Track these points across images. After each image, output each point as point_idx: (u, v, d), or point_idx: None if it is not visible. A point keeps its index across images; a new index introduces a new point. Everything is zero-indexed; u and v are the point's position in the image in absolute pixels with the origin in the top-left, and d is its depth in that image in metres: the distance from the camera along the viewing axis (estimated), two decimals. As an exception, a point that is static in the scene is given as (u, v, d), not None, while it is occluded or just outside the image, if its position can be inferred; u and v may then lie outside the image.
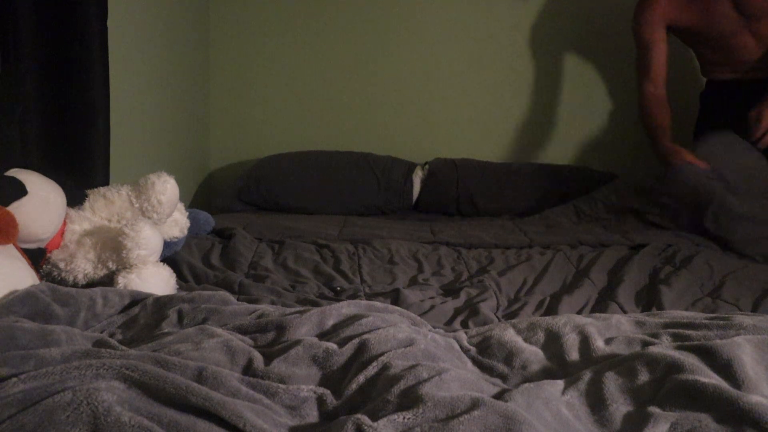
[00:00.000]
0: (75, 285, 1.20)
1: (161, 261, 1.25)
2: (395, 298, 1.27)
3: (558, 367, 0.88)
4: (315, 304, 1.15)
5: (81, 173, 1.42)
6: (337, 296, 1.30)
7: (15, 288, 0.96)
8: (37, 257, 1.16)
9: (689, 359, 0.79)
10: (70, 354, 0.77)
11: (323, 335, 0.92)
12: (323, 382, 0.80)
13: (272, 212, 2.21)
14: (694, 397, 0.72)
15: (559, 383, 0.79)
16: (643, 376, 0.79)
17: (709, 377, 0.75)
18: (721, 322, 0.94)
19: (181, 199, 1.39)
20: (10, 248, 1.04)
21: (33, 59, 1.34)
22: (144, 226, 1.18)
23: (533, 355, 0.90)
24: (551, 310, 1.25)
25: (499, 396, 0.74)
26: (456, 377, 0.75)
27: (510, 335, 0.95)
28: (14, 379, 0.68)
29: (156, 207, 1.27)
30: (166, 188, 1.29)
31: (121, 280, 1.16)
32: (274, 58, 2.59)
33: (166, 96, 2.15)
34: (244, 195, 2.27)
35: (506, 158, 2.53)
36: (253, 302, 1.19)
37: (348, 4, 2.54)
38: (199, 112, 2.52)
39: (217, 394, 0.68)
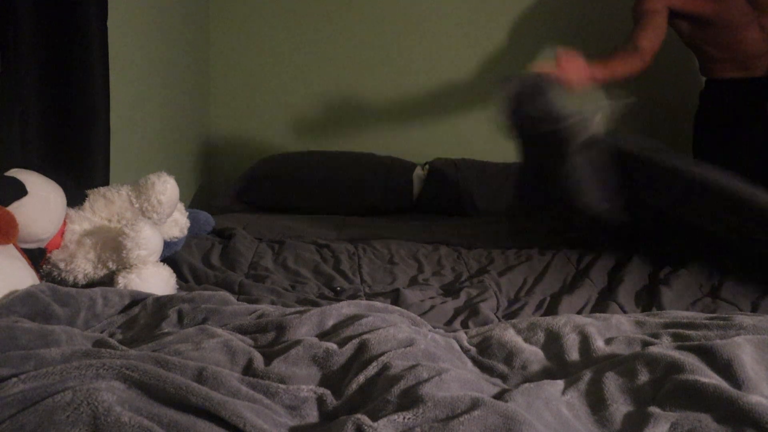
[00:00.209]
0: (75, 285, 1.20)
1: (161, 261, 1.25)
2: (395, 298, 1.27)
3: (558, 367, 0.88)
4: (315, 304, 1.15)
5: (81, 173, 1.42)
6: (337, 296, 1.30)
7: (15, 288, 0.96)
8: (37, 257, 1.16)
9: (689, 359, 0.79)
10: (70, 354, 0.77)
11: (323, 335, 0.92)
12: (323, 382, 0.80)
13: (272, 212, 2.21)
14: (694, 397, 0.72)
15: (560, 383, 0.79)
16: (643, 376, 0.79)
17: (710, 377, 0.75)
18: (721, 322, 0.94)
19: (181, 199, 1.39)
20: (10, 248, 1.04)
21: (33, 59, 1.34)
22: (144, 226, 1.18)
23: (533, 355, 0.90)
24: (551, 310, 1.25)
25: (499, 396, 0.74)
26: (456, 377, 0.75)
27: (510, 335, 0.95)
28: (14, 379, 0.68)
29: (156, 207, 1.27)
30: (166, 188, 1.29)
31: (121, 280, 1.16)
32: (274, 58, 2.59)
33: (166, 96, 2.15)
34: (244, 195, 2.27)
35: (506, 158, 2.53)
36: (253, 302, 1.19)
37: (348, 4, 2.54)
38: (199, 112, 2.52)
39: (217, 394, 0.68)
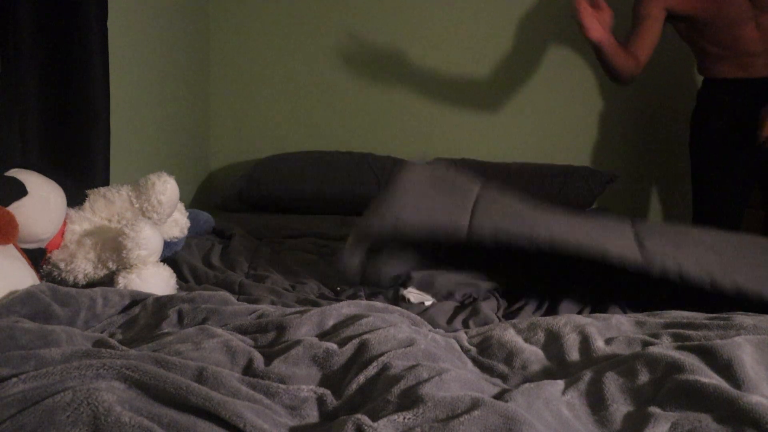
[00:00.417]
0: (75, 285, 1.20)
1: (161, 261, 1.25)
2: (395, 297, 1.27)
3: (558, 367, 0.88)
4: (315, 304, 1.15)
5: (81, 173, 1.42)
6: (337, 296, 1.30)
7: (15, 288, 0.96)
8: (37, 257, 1.16)
9: (689, 359, 0.79)
10: (71, 354, 0.77)
11: (323, 335, 0.92)
12: (323, 382, 0.80)
13: (272, 212, 2.21)
14: (695, 397, 0.72)
15: (560, 383, 0.79)
16: (644, 376, 0.79)
17: (710, 377, 0.75)
18: (721, 322, 0.94)
19: (181, 199, 1.39)
20: (10, 248, 1.04)
21: (33, 60, 1.34)
22: (144, 226, 1.18)
23: (533, 355, 0.90)
24: (551, 310, 1.25)
25: (500, 396, 0.74)
26: (456, 377, 0.75)
27: (510, 335, 0.95)
28: (14, 379, 0.68)
29: (156, 207, 1.27)
30: (166, 188, 1.29)
31: (122, 280, 1.16)
32: (274, 58, 2.59)
33: (166, 96, 2.15)
34: (244, 195, 2.27)
35: (506, 158, 2.53)
36: (253, 302, 1.19)
37: (348, 5, 2.55)
38: (199, 112, 2.52)
39: (218, 394, 0.68)
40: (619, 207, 2.51)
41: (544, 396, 0.74)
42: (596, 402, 0.76)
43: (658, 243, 1.22)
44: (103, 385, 0.67)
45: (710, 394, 0.71)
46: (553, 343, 0.93)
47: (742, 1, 1.86)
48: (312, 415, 0.74)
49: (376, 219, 1.25)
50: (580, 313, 1.21)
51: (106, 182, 1.48)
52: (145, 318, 1.01)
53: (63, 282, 1.20)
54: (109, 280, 1.21)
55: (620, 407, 0.75)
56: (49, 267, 1.21)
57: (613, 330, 0.97)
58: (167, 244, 1.35)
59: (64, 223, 1.23)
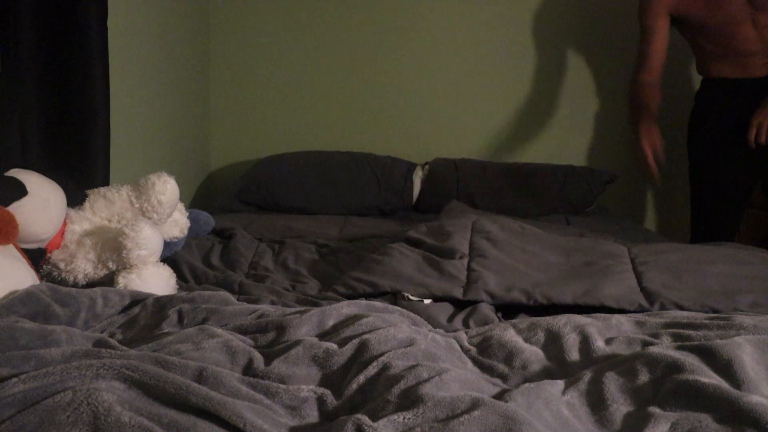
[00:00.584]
0: (75, 285, 1.20)
1: (161, 261, 1.25)
2: (395, 298, 1.26)
3: (558, 367, 0.88)
4: (315, 304, 1.15)
5: (81, 173, 1.42)
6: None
7: (15, 288, 0.96)
8: (37, 257, 1.16)
9: (689, 359, 0.79)
10: (71, 354, 0.77)
11: (323, 335, 0.92)
12: (323, 382, 0.80)
13: (272, 212, 2.21)
14: (695, 397, 0.72)
15: (560, 383, 0.79)
16: (644, 376, 0.79)
17: (710, 377, 0.75)
18: (721, 322, 0.94)
19: (181, 199, 1.39)
20: (11, 248, 1.04)
21: (33, 59, 1.34)
22: (144, 226, 1.18)
23: (533, 355, 0.90)
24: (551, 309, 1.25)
25: (500, 396, 0.74)
26: (456, 377, 0.75)
27: (510, 335, 0.95)
28: (14, 379, 0.68)
29: (156, 207, 1.27)
30: (166, 188, 1.29)
31: (122, 281, 1.16)
32: (275, 58, 2.59)
33: (166, 96, 2.15)
34: (244, 195, 2.27)
35: (506, 158, 2.53)
36: (253, 302, 1.19)
37: (348, 5, 2.55)
38: (199, 112, 2.52)
39: (218, 394, 0.68)
40: (619, 207, 2.51)
41: (544, 396, 0.74)
42: (596, 402, 0.76)
43: (657, 279, 1.22)
44: (103, 385, 0.67)
45: (710, 394, 0.71)
46: (553, 343, 0.93)
47: (740, 0, 1.86)
48: (312, 415, 0.74)
49: (372, 278, 1.29)
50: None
51: (106, 182, 1.48)
52: (145, 318, 1.01)
53: (63, 282, 1.20)
54: (109, 280, 1.21)
55: (620, 407, 0.75)
56: (49, 267, 1.21)
57: (613, 330, 0.97)
58: (167, 244, 1.35)
59: (64, 223, 1.23)
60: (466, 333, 1.01)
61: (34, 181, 1.13)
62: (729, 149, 1.96)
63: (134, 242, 1.16)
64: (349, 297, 1.24)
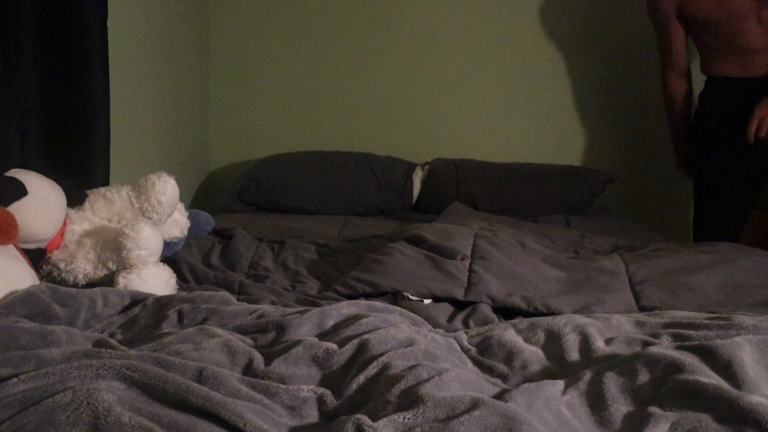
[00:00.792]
0: (75, 285, 1.20)
1: (161, 261, 1.25)
2: (395, 298, 1.26)
3: (558, 367, 0.88)
4: (315, 304, 1.15)
5: (81, 173, 1.42)
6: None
7: (15, 288, 0.96)
8: (37, 257, 1.16)
9: (689, 359, 0.79)
10: (71, 354, 0.77)
11: (323, 335, 0.92)
12: (323, 382, 0.80)
13: (272, 212, 2.21)
14: (695, 397, 0.72)
15: (560, 383, 0.79)
16: (644, 376, 0.79)
17: (710, 377, 0.75)
18: (721, 322, 0.94)
19: (181, 199, 1.39)
20: (11, 248, 1.04)
21: (33, 59, 1.34)
22: (144, 226, 1.18)
23: (533, 355, 0.90)
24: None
25: (500, 396, 0.74)
26: (456, 377, 0.75)
27: (510, 335, 0.95)
28: (14, 380, 0.68)
29: (156, 207, 1.27)
30: (167, 188, 1.28)
31: (122, 281, 1.16)
32: (275, 58, 2.59)
33: (166, 96, 2.15)
34: (244, 195, 2.27)
35: (506, 158, 2.53)
36: (253, 302, 1.19)
37: (348, 5, 2.55)
38: (199, 112, 2.52)
39: (218, 394, 0.68)
40: (619, 207, 2.51)
41: (544, 396, 0.74)
42: (596, 402, 0.76)
43: (655, 297, 1.22)
44: (103, 385, 0.67)
45: (710, 394, 0.71)
46: (553, 343, 0.93)
47: None
48: (312, 415, 0.74)
49: (372, 278, 1.29)
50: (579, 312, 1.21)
51: (106, 182, 1.48)
52: (145, 318, 1.01)
53: (63, 282, 1.20)
54: (109, 280, 1.21)
55: (620, 407, 0.75)
56: (49, 267, 1.21)
57: (613, 330, 0.97)
58: (167, 244, 1.35)
59: (64, 224, 1.23)
60: (466, 333, 1.01)
61: (34, 181, 1.13)
62: (733, 149, 1.95)
63: (134, 242, 1.16)
64: (349, 297, 1.24)
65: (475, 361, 0.90)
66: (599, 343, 0.91)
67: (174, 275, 1.25)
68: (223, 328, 0.93)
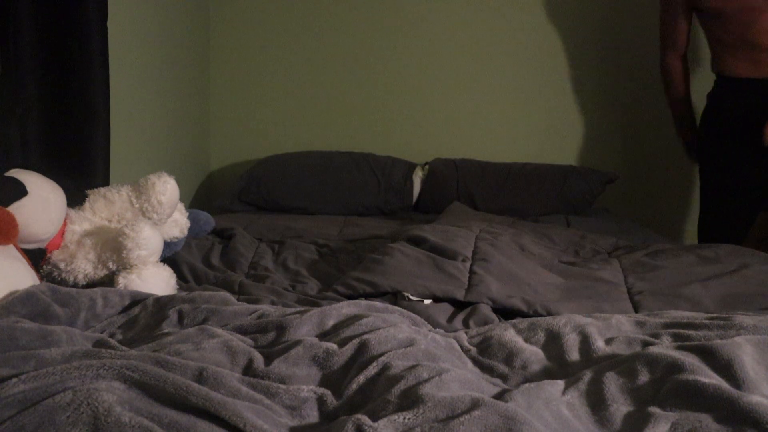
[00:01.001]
0: (75, 285, 1.20)
1: (161, 261, 1.25)
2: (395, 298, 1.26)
3: (558, 367, 0.88)
4: (315, 304, 1.15)
5: (81, 173, 1.42)
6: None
7: (15, 288, 0.96)
8: (37, 258, 1.16)
9: (689, 359, 0.79)
10: (71, 354, 0.77)
11: (323, 335, 0.92)
12: (323, 383, 0.80)
13: (272, 212, 2.21)
14: (695, 397, 0.72)
15: (560, 383, 0.79)
16: (644, 377, 0.79)
17: (710, 377, 0.75)
18: (722, 322, 0.94)
19: (181, 199, 1.39)
20: (11, 249, 1.04)
21: (33, 60, 1.34)
22: (144, 226, 1.18)
23: (533, 355, 0.90)
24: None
25: (500, 396, 0.74)
26: (456, 377, 0.75)
27: (510, 335, 0.95)
28: (14, 380, 0.68)
29: (156, 207, 1.27)
30: (167, 189, 1.29)
31: (122, 281, 1.16)
32: (275, 58, 2.59)
33: (166, 96, 2.15)
34: (244, 195, 2.27)
35: (506, 158, 2.53)
36: (253, 302, 1.18)
37: (348, 4, 2.55)
38: (199, 112, 2.52)
39: (218, 394, 0.68)
40: (619, 207, 2.51)
41: (544, 396, 0.74)
42: (596, 402, 0.76)
43: (654, 305, 1.22)
44: (103, 385, 0.67)
45: (710, 394, 0.71)
46: (553, 343, 0.93)
47: None
48: (312, 415, 0.74)
49: (372, 278, 1.29)
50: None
51: (106, 182, 1.48)
52: (145, 318, 1.01)
53: (63, 282, 1.20)
54: (109, 281, 1.21)
55: (620, 407, 0.75)
56: (49, 267, 1.21)
57: (613, 330, 0.97)
58: (167, 245, 1.35)
59: (64, 224, 1.23)
60: (466, 333, 1.01)
61: (34, 181, 1.13)
62: (742, 151, 1.91)
63: (134, 242, 1.16)
64: (349, 297, 1.24)
65: (475, 361, 0.90)
66: (599, 343, 0.91)
67: (174, 275, 1.25)
68: (223, 329, 0.93)
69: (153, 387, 0.68)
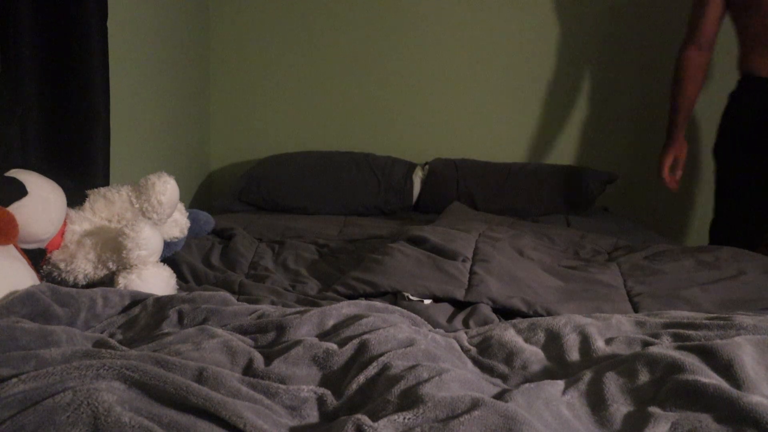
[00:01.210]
0: (75, 285, 1.20)
1: (161, 261, 1.25)
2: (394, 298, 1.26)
3: (558, 367, 0.88)
4: (315, 304, 1.15)
5: (81, 173, 1.42)
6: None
7: (15, 288, 0.96)
8: (37, 258, 1.16)
9: (689, 359, 0.79)
10: (71, 354, 0.77)
11: (323, 335, 0.92)
12: (323, 383, 0.80)
13: (272, 212, 2.21)
14: (695, 398, 0.72)
15: (560, 383, 0.79)
16: (644, 377, 0.79)
17: (710, 377, 0.75)
18: (722, 322, 0.94)
19: (181, 199, 1.39)
20: (11, 249, 1.04)
21: (33, 60, 1.34)
22: (144, 226, 1.18)
23: (533, 355, 0.90)
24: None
25: (500, 396, 0.74)
26: (456, 377, 0.75)
27: (510, 335, 0.95)
28: (15, 380, 0.68)
29: (156, 207, 1.27)
30: (167, 189, 1.29)
31: (122, 281, 1.16)
32: (275, 58, 2.59)
33: (166, 96, 2.15)
34: (244, 195, 2.27)
35: (506, 158, 2.53)
36: (253, 302, 1.19)
37: (348, 5, 2.55)
38: (199, 112, 2.52)
39: (218, 394, 0.68)
40: (619, 207, 2.51)
41: (544, 396, 0.74)
42: (596, 402, 0.76)
43: (653, 306, 1.21)
44: (103, 385, 0.67)
45: (710, 394, 0.71)
46: (553, 343, 0.93)
47: None
48: (312, 415, 0.74)
49: (372, 278, 1.28)
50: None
51: (106, 182, 1.48)
52: (145, 318, 1.01)
53: (63, 282, 1.20)
54: (109, 281, 1.21)
55: (620, 407, 0.75)
56: (49, 267, 1.21)
57: (613, 330, 0.97)
58: (167, 245, 1.35)
59: (64, 224, 1.23)
60: (466, 333, 1.01)
61: (34, 181, 1.13)
62: (762, 154, 1.83)
63: (134, 242, 1.16)
64: (349, 297, 1.24)
65: (475, 361, 0.90)
66: (599, 343, 0.91)
67: (174, 275, 1.25)
68: (223, 329, 0.93)
69: (153, 387, 0.68)
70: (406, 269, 1.30)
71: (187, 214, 1.46)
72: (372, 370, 0.79)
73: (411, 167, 2.37)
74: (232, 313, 1.00)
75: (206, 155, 2.62)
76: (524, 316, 1.17)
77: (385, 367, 0.78)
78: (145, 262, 1.19)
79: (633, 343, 0.91)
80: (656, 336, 0.93)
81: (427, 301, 1.22)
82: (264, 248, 1.58)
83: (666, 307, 1.21)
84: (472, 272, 1.31)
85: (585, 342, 0.92)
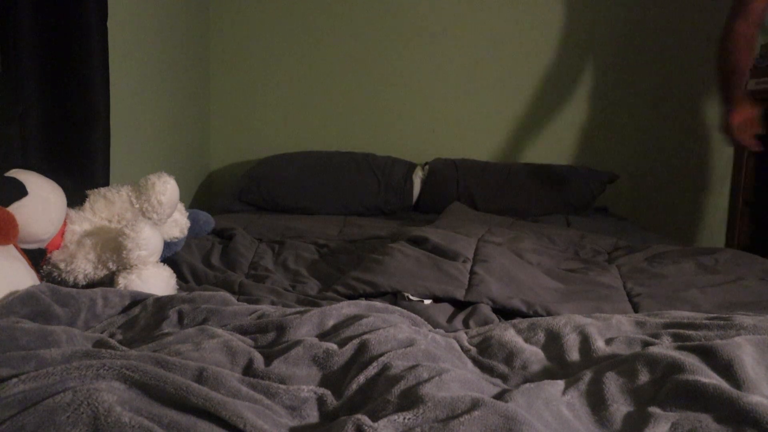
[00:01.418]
0: (75, 285, 1.20)
1: (161, 261, 1.25)
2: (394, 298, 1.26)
3: (558, 368, 0.88)
4: (315, 305, 1.15)
5: (81, 173, 1.42)
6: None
7: (15, 288, 0.96)
8: (37, 258, 1.16)
9: (690, 359, 0.79)
10: (71, 354, 0.77)
11: (323, 335, 0.92)
12: (323, 383, 0.80)
13: (272, 212, 2.22)
14: (695, 398, 0.72)
15: (560, 383, 0.79)
16: (644, 377, 0.79)
17: (710, 377, 0.75)
18: (722, 322, 0.94)
19: (181, 199, 1.39)
20: (11, 249, 1.04)
21: (33, 60, 1.34)
22: (144, 226, 1.18)
23: (533, 355, 0.90)
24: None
25: (500, 396, 0.74)
26: (456, 377, 0.75)
27: (510, 335, 0.95)
28: (15, 380, 0.68)
29: (156, 207, 1.27)
30: (167, 189, 1.29)
31: (122, 281, 1.16)
32: (275, 58, 2.59)
33: (166, 96, 2.15)
34: (244, 195, 2.27)
35: (506, 158, 2.53)
36: (253, 302, 1.18)
37: (348, 5, 2.55)
38: (199, 112, 2.52)
39: (218, 394, 0.68)
40: (619, 207, 2.51)
41: (544, 396, 0.74)
42: (596, 402, 0.76)
43: (653, 306, 1.22)
44: (103, 385, 0.67)
45: (710, 394, 0.71)
46: (553, 343, 0.93)
47: None
48: (312, 416, 0.73)
49: (372, 278, 1.28)
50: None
51: (106, 182, 1.48)
52: (145, 318, 1.01)
53: (63, 282, 1.20)
54: (109, 281, 1.21)
55: (620, 407, 0.75)
56: (49, 267, 1.21)
57: (613, 330, 0.97)
58: (167, 245, 1.35)
59: (64, 224, 1.23)
60: (466, 333, 1.00)
61: (34, 181, 1.13)
62: None
63: (134, 242, 1.16)
64: (350, 297, 1.24)
65: (475, 361, 0.90)
66: (599, 343, 0.91)
67: (174, 275, 1.25)
68: (223, 329, 0.93)
69: (153, 387, 0.68)
70: (406, 269, 1.30)
71: (187, 214, 1.46)
72: (372, 370, 0.78)
73: (411, 167, 2.37)
74: (232, 313, 1.00)
75: (206, 155, 2.62)
76: (524, 316, 1.17)
77: (385, 367, 0.78)
78: (145, 263, 1.19)
79: (633, 343, 0.91)
80: (656, 336, 0.93)
81: (427, 301, 1.22)
82: (264, 248, 1.58)
83: (666, 307, 1.21)
84: (472, 272, 1.31)
85: (585, 342, 0.92)
